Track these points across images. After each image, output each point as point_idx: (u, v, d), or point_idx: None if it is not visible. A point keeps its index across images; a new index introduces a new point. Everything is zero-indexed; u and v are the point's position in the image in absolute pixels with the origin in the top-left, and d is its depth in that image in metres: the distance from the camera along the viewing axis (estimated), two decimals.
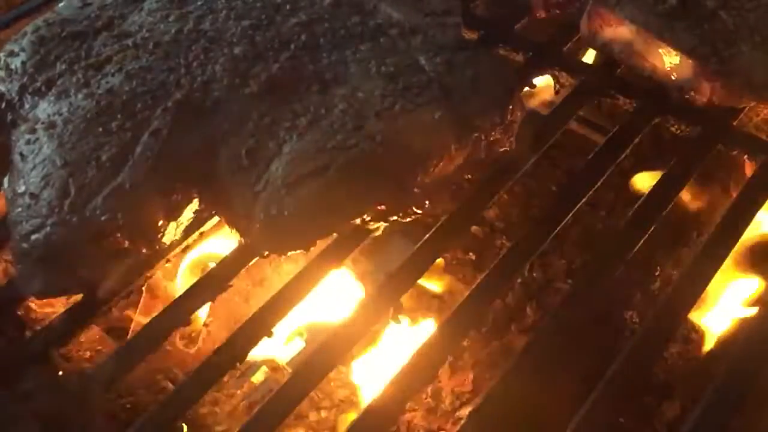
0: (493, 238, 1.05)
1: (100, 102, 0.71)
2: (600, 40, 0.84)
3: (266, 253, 0.70)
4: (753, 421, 0.68)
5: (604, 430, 0.60)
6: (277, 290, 0.70)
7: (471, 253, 1.04)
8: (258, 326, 0.68)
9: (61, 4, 0.83)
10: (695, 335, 0.90)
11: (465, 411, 0.88)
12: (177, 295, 0.71)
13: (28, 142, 0.70)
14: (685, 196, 0.95)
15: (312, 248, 0.70)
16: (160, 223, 0.68)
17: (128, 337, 0.74)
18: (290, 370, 0.97)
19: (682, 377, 0.87)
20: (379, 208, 0.68)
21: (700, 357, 0.89)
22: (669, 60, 0.78)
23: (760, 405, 0.67)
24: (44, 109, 0.72)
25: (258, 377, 0.98)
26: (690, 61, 0.76)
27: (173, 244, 0.71)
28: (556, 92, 0.89)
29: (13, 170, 0.70)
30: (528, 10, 0.93)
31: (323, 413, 0.96)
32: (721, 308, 0.91)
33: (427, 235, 0.72)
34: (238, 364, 0.66)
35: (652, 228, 0.72)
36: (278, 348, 1.01)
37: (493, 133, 0.72)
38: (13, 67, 0.76)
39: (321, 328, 1.00)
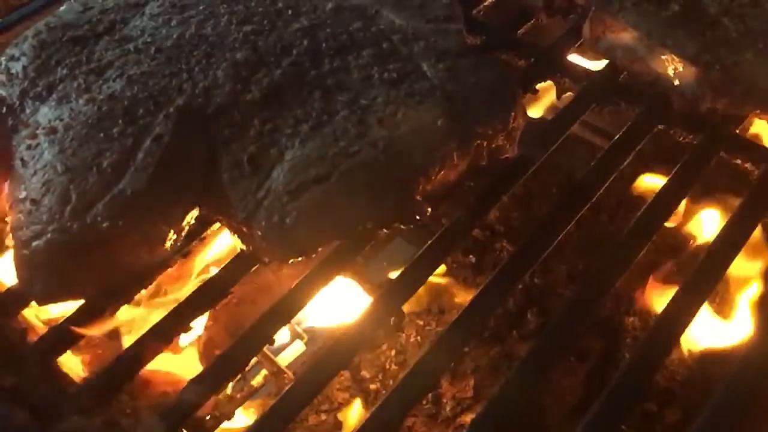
0: (494, 241, 1.05)
1: (101, 107, 0.70)
2: (602, 46, 0.84)
3: (267, 260, 0.70)
4: (758, 427, 0.68)
5: None
6: (279, 297, 0.70)
7: (471, 256, 1.04)
8: (259, 334, 0.67)
9: (62, 8, 0.83)
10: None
11: (466, 417, 0.88)
12: (178, 302, 0.71)
13: (29, 148, 0.70)
14: (688, 203, 0.95)
15: (314, 255, 0.70)
16: (161, 229, 0.67)
17: (129, 342, 0.74)
18: (291, 374, 0.97)
19: (684, 383, 0.87)
20: (381, 214, 0.68)
21: (701, 363, 0.89)
22: (672, 67, 0.77)
23: (765, 411, 0.67)
24: (45, 114, 0.72)
25: (258, 380, 0.98)
26: (693, 68, 0.75)
27: (174, 250, 0.70)
28: (559, 98, 0.88)
29: (14, 176, 0.70)
30: (530, 15, 0.93)
31: (323, 416, 0.96)
32: (724, 312, 0.91)
33: (430, 242, 0.72)
34: (240, 372, 0.66)
35: (655, 235, 0.71)
36: (279, 352, 1.01)
37: (495, 140, 0.72)
38: (13, 71, 0.75)
39: (322, 332, 1.00)
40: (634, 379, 0.62)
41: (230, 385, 0.93)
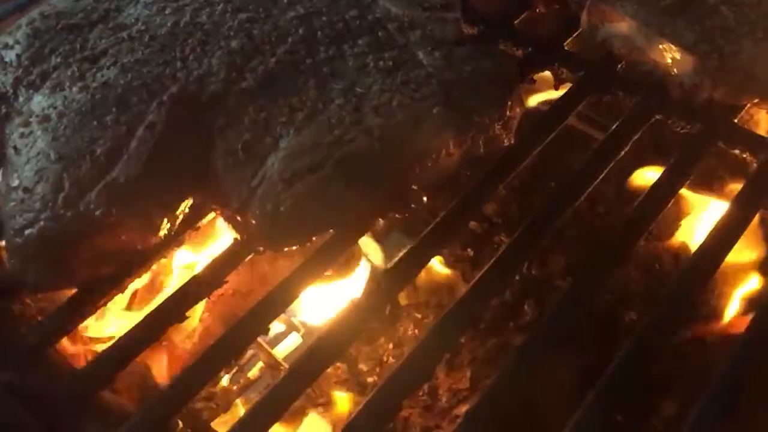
0: (492, 234, 1.04)
1: (95, 95, 0.70)
2: (600, 36, 0.83)
3: (262, 249, 0.70)
4: (753, 420, 0.68)
5: (602, 429, 0.60)
6: (273, 286, 0.69)
7: (469, 249, 1.04)
8: (254, 323, 0.67)
9: None
10: (693, 332, 0.90)
11: (462, 408, 0.87)
12: (172, 291, 0.70)
13: (22, 136, 0.69)
14: (685, 193, 0.95)
15: (309, 244, 0.69)
16: (155, 218, 0.67)
17: (123, 332, 0.73)
18: (287, 367, 0.96)
19: (681, 375, 0.87)
20: (376, 203, 0.68)
21: (698, 354, 0.88)
22: (670, 56, 0.77)
23: (760, 403, 0.67)
24: (39, 102, 0.71)
25: (254, 373, 0.98)
26: (691, 57, 0.75)
27: (168, 239, 0.70)
28: (556, 88, 0.88)
29: (7, 164, 0.69)
30: (528, 5, 0.92)
31: (320, 410, 0.96)
32: (720, 304, 0.90)
33: (425, 232, 0.72)
34: (233, 361, 0.65)
35: (652, 225, 0.71)
36: (275, 344, 1.00)
37: (491, 129, 0.71)
38: (7, 59, 0.75)
39: (318, 324, 1.00)
40: (630, 369, 0.62)
41: (227, 377, 0.93)
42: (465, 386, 0.89)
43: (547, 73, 0.88)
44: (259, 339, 0.92)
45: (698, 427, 0.59)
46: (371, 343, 1.00)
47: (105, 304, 0.70)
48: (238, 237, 0.70)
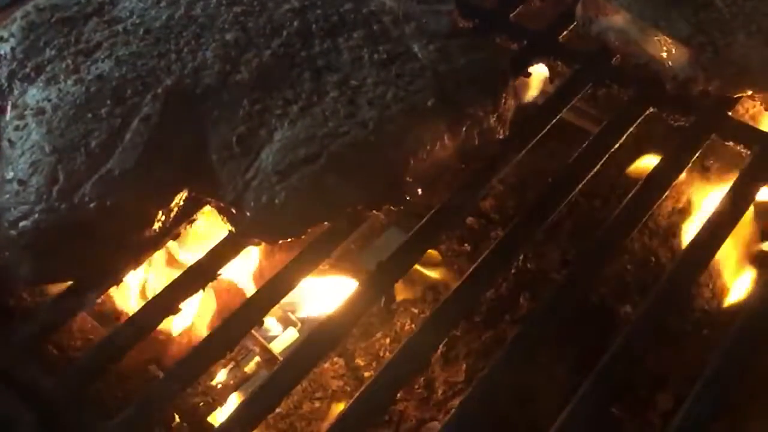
0: (489, 230, 1.04)
1: (89, 88, 0.70)
2: (595, 29, 0.83)
3: (257, 241, 0.70)
4: (745, 413, 0.68)
5: (595, 421, 0.60)
6: (268, 279, 0.69)
7: (466, 244, 1.04)
8: (249, 315, 0.67)
9: None
10: (689, 326, 0.90)
11: (457, 401, 0.87)
12: (167, 284, 0.70)
13: (16, 129, 0.69)
14: (680, 186, 0.95)
15: (304, 237, 0.69)
16: (150, 210, 0.67)
17: (118, 325, 0.73)
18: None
19: (677, 369, 0.87)
20: (371, 195, 0.68)
21: (694, 348, 0.88)
22: (664, 49, 0.77)
23: (752, 397, 0.67)
24: (33, 95, 0.71)
25: (251, 368, 0.98)
26: (685, 49, 0.75)
27: (163, 232, 0.70)
28: (551, 81, 0.88)
29: (2, 157, 0.69)
30: None
31: (317, 404, 0.96)
32: (716, 297, 0.90)
33: (419, 225, 0.72)
34: (228, 353, 0.66)
35: (646, 218, 0.71)
36: (272, 338, 1.00)
37: (486, 122, 0.71)
38: (2, 52, 0.75)
39: (315, 318, 1.00)
40: (624, 362, 0.62)
41: (224, 371, 0.93)
42: (461, 379, 0.89)
43: (543, 66, 0.88)
44: (256, 334, 0.92)
45: (690, 421, 0.59)
46: (368, 338, 1.00)
47: (100, 297, 0.70)
48: (233, 230, 0.70)
